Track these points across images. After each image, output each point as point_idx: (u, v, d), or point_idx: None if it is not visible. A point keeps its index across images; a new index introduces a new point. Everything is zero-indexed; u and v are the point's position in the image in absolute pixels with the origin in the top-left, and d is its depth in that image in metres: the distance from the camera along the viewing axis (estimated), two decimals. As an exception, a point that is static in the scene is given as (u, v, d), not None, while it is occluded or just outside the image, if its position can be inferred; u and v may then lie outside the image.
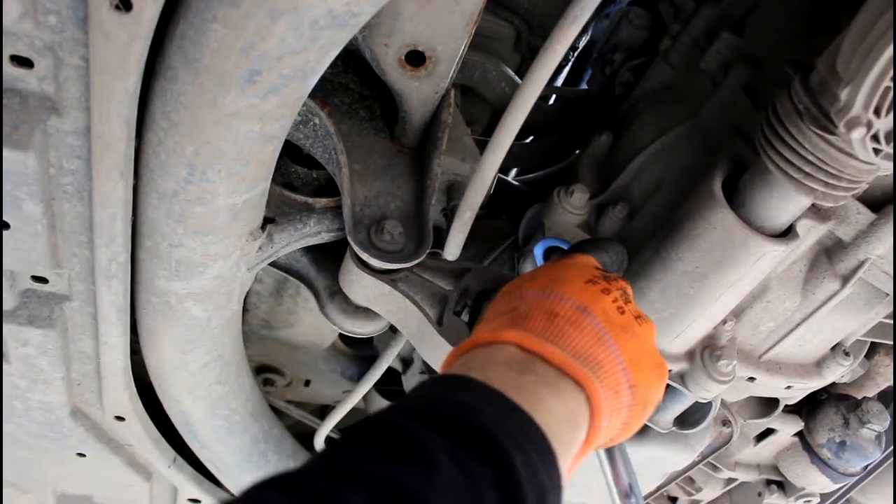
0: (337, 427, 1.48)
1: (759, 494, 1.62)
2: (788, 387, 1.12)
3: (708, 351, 0.99)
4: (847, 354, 1.11)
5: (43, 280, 0.91)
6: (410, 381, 1.49)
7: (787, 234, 0.85)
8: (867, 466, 1.41)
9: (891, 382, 1.39)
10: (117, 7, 0.59)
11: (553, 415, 0.59)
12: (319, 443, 1.70)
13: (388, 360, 1.25)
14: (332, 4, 0.58)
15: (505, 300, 0.76)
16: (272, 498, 0.43)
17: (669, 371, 1.02)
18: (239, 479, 1.45)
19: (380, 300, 0.98)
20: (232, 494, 1.66)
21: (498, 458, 0.49)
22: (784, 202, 0.81)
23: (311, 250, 1.20)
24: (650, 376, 0.71)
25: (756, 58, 0.94)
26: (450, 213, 0.96)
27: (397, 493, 0.44)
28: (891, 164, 0.68)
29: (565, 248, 0.94)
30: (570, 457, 0.62)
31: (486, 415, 0.53)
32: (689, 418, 1.13)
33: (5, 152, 0.70)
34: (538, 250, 0.96)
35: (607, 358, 0.67)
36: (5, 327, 0.95)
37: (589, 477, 1.26)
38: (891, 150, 0.65)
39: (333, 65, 0.81)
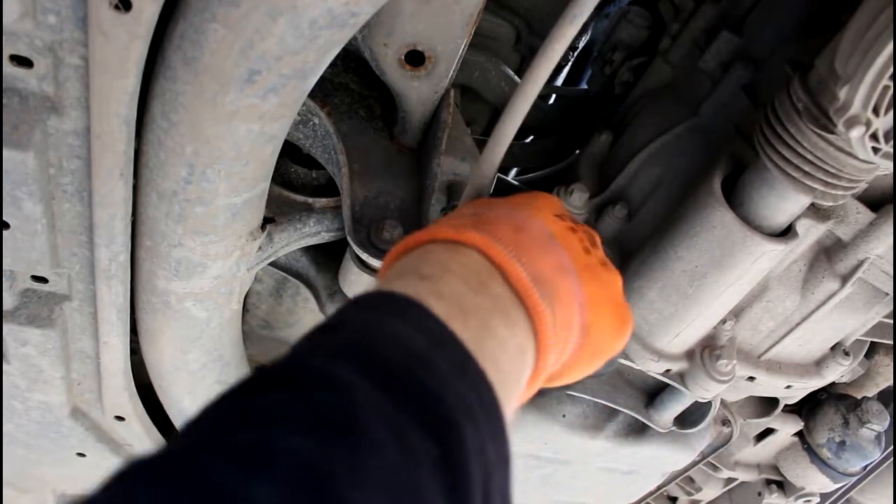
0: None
1: (759, 494, 1.62)
2: (788, 386, 1.12)
3: (707, 350, 0.99)
4: (847, 354, 1.11)
5: (43, 280, 0.91)
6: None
7: (787, 233, 0.85)
8: (867, 466, 1.41)
9: (891, 382, 1.39)
10: (117, 7, 0.59)
11: (505, 352, 0.52)
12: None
13: (387, 360, 1.25)
14: (332, 4, 0.58)
15: (469, 207, 0.68)
16: (140, 494, 0.30)
17: (669, 371, 1.02)
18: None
19: (379, 300, 0.98)
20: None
21: (447, 430, 0.40)
22: (783, 201, 0.81)
23: (310, 250, 1.20)
24: (607, 321, 0.65)
25: (755, 57, 0.95)
26: (450, 213, 0.96)
27: (316, 481, 0.33)
28: (890, 163, 0.68)
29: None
30: (516, 401, 0.55)
31: (437, 369, 0.43)
32: (689, 418, 1.13)
33: (5, 152, 0.70)
34: None
35: (566, 289, 0.60)
36: (5, 327, 0.95)
37: (589, 477, 1.27)
38: (890, 149, 0.65)
39: (333, 65, 0.81)
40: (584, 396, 1.07)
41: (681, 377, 1.02)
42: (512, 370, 0.53)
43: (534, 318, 0.56)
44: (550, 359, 0.58)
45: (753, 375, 1.09)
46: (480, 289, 0.54)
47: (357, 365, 0.41)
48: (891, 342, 1.16)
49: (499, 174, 0.99)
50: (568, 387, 1.06)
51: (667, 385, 1.07)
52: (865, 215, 0.89)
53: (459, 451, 0.40)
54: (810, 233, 0.90)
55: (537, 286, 0.57)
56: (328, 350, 0.43)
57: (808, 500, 1.58)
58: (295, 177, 1.11)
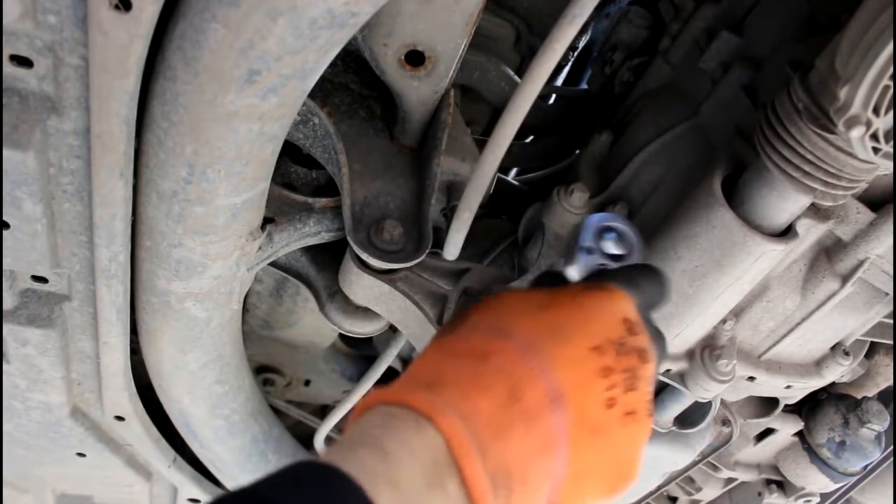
0: (337, 427, 1.48)
1: (759, 494, 1.62)
2: (788, 386, 1.12)
3: (707, 350, 0.99)
4: (847, 354, 1.11)
5: (43, 280, 0.91)
6: (410, 381, 1.49)
7: (787, 233, 0.85)
8: (867, 466, 1.41)
9: (891, 382, 1.39)
10: (117, 7, 0.59)
11: None
12: (319, 443, 1.70)
13: (388, 360, 1.25)
14: (332, 4, 0.58)
15: (490, 329, 0.60)
16: None
17: (669, 371, 1.02)
18: (239, 479, 1.46)
19: (380, 300, 0.98)
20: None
21: None
22: (783, 201, 0.81)
23: (310, 250, 1.20)
24: (586, 494, 0.59)
25: (756, 57, 0.95)
26: (449, 213, 0.96)
27: None
28: (890, 163, 0.68)
29: (621, 227, 0.76)
30: None
31: None
32: (689, 418, 1.13)
33: (5, 152, 0.70)
34: (589, 231, 0.74)
35: (540, 472, 0.55)
36: (5, 327, 0.95)
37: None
38: (890, 149, 0.65)
39: (333, 64, 0.81)
40: (584, 396, 1.07)
41: (681, 377, 1.02)
42: None
43: None
44: None
45: (753, 375, 1.09)
46: (437, 486, 0.49)
47: None
48: (891, 342, 1.16)
49: (499, 174, 0.99)
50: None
51: (667, 385, 1.07)
52: (866, 215, 0.89)
53: None
54: (810, 233, 0.90)
55: (496, 479, 0.52)
56: None
57: (808, 500, 1.58)
58: (295, 177, 1.11)
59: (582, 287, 0.66)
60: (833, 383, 1.23)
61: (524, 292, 0.65)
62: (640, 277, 0.68)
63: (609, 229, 0.75)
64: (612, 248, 0.72)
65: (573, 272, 0.72)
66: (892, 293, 0.99)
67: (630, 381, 0.59)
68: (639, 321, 0.63)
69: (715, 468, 1.51)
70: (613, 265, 0.71)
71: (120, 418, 1.19)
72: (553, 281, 0.73)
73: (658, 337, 0.66)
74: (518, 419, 0.54)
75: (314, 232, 1.02)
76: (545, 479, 0.55)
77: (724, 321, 0.99)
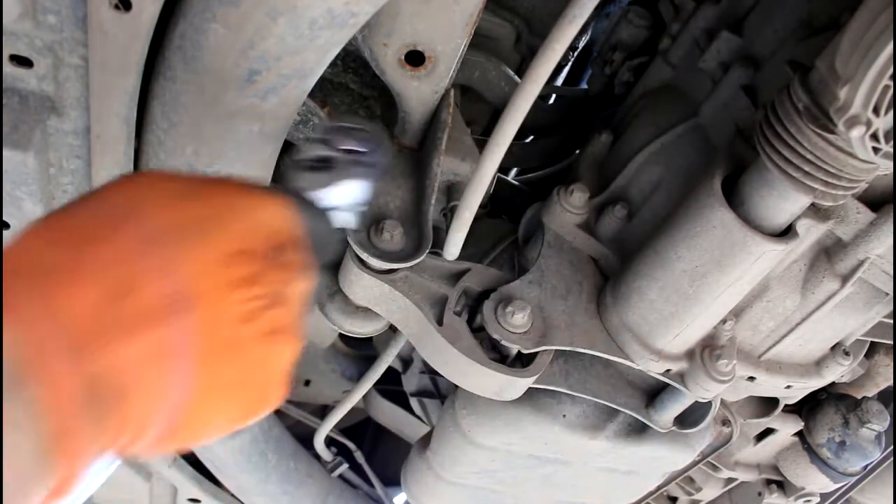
0: (337, 427, 1.48)
1: (759, 494, 1.62)
2: (788, 386, 1.12)
3: (708, 350, 0.99)
4: (847, 354, 1.11)
5: (43, 280, 0.91)
6: (410, 380, 1.49)
7: (787, 233, 0.85)
8: (867, 466, 1.41)
9: (891, 382, 1.39)
10: (117, 7, 0.59)
11: (8, 466, 0.39)
12: (319, 443, 1.70)
13: (388, 360, 1.25)
14: (332, 4, 0.58)
15: (117, 198, 0.50)
16: None
17: (669, 371, 1.02)
18: (239, 479, 1.46)
19: (380, 300, 0.98)
20: (232, 495, 1.66)
21: None
22: (783, 201, 0.81)
23: (310, 250, 1.19)
24: (217, 413, 0.53)
25: (755, 57, 0.95)
26: (449, 213, 0.96)
27: None
28: (890, 163, 0.68)
29: (361, 127, 0.68)
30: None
31: None
32: (689, 418, 1.13)
33: (5, 152, 0.70)
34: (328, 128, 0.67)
35: (151, 386, 0.47)
36: (5, 327, 0.95)
37: (589, 477, 1.27)
38: (890, 149, 0.65)
39: (333, 64, 0.81)
40: (585, 396, 1.07)
41: (681, 377, 1.02)
42: (13, 481, 0.39)
43: (61, 436, 0.42)
44: (83, 466, 0.45)
45: (753, 375, 1.09)
46: (13, 387, 0.40)
47: None
48: (891, 342, 1.16)
49: (499, 174, 0.99)
50: (568, 386, 1.06)
51: (667, 385, 1.07)
52: (866, 215, 0.89)
53: None
54: (810, 233, 0.90)
55: (95, 387, 0.43)
56: None
57: (808, 500, 1.58)
58: (295, 177, 1.11)
59: (247, 186, 0.57)
60: (833, 383, 1.23)
61: (169, 175, 0.55)
62: (315, 211, 0.62)
63: (348, 130, 0.67)
64: (353, 144, 0.65)
65: (288, 163, 0.65)
66: (892, 293, 0.99)
67: (276, 297, 0.53)
68: (300, 240, 0.57)
69: (715, 468, 1.51)
70: (340, 156, 0.64)
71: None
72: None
73: (312, 264, 0.59)
74: (128, 318, 0.45)
75: (314, 232, 1.02)
76: (162, 394, 0.48)
77: (724, 321, 0.99)
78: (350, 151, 0.64)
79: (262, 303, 0.51)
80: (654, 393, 1.11)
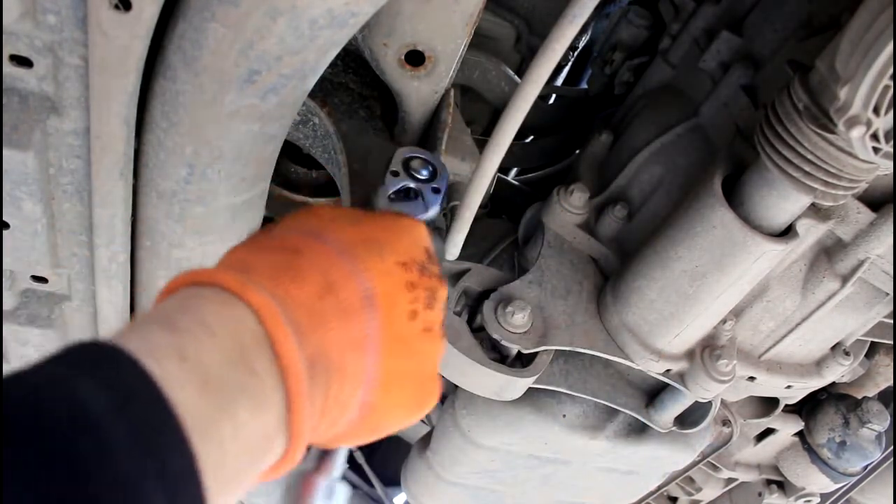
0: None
1: (759, 494, 1.62)
2: (788, 386, 1.12)
3: (708, 350, 0.99)
4: (847, 354, 1.11)
5: (42, 280, 0.91)
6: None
7: (787, 233, 0.85)
8: (867, 466, 1.41)
9: (891, 382, 1.39)
10: (117, 7, 0.59)
11: (238, 437, 0.44)
12: (319, 443, 1.70)
13: (388, 360, 1.25)
14: (332, 4, 0.58)
15: (303, 231, 0.59)
16: None
17: (669, 371, 1.02)
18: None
19: (379, 300, 0.98)
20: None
21: None
22: (784, 201, 0.81)
23: (310, 250, 1.19)
24: (401, 400, 0.60)
25: (756, 57, 0.95)
26: (449, 213, 0.96)
27: None
28: (890, 163, 0.68)
29: (431, 160, 0.82)
30: (244, 484, 0.48)
31: (102, 436, 0.36)
32: (689, 418, 1.13)
33: (5, 152, 0.70)
34: (396, 159, 0.80)
35: (356, 367, 0.55)
36: (5, 327, 0.95)
37: (589, 477, 1.27)
38: (890, 149, 0.65)
39: (333, 64, 0.81)
40: (585, 396, 1.07)
41: (681, 377, 1.02)
42: (244, 455, 0.45)
43: (291, 406, 0.48)
44: (303, 441, 0.50)
45: (754, 375, 1.09)
46: (239, 361, 0.45)
47: (22, 425, 0.35)
48: (891, 342, 1.16)
49: (499, 174, 0.99)
50: (568, 387, 1.06)
51: (667, 385, 1.07)
52: (866, 215, 0.89)
53: None
54: (811, 233, 0.90)
55: (313, 367, 0.51)
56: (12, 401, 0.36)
57: (809, 500, 1.58)
58: (295, 177, 1.11)
59: (392, 212, 0.70)
60: (833, 383, 1.23)
61: (338, 207, 0.67)
62: (435, 229, 0.75)
63: (414, 158, 0.81)
64: (421, 171, 0.79)
65: (381, 193, 0.78)
66: (892, 293, 0.99)
67: (430, 300, 0.62)
68: (434, 253, 0.68)
69: (715, 468, 1.51)
70: (416, 185, 0.78)
71: (120, 418, 1.19)
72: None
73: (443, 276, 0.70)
74: (333, 311, 0.54)
75: (314, 232, 1.02)
76: (360, 376, 0.56)
77: (724, 321, 0.99)
78: (424, 180, 0.79)
79: (421, 304, 0.61)
80: (654, 393, 1.11)
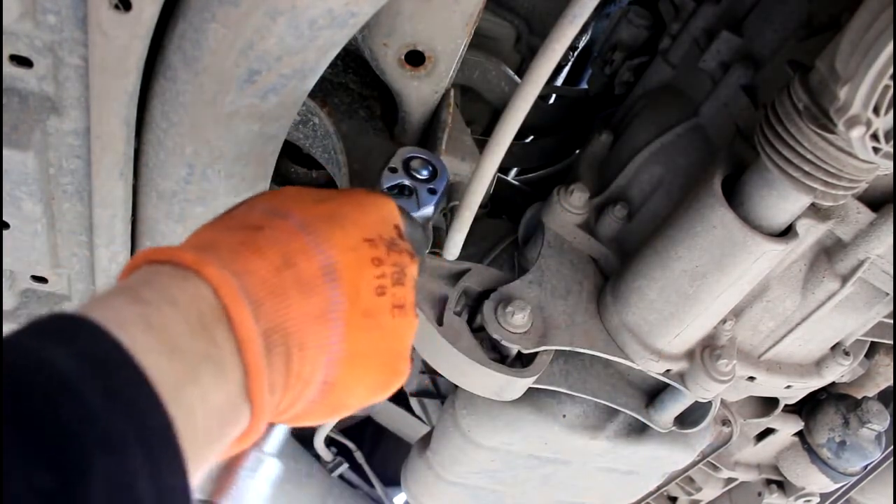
0: (337, 426, 1.48)
1: (759, 494, 1.62)
2: (788, 386, 1.12)
3: (708, 350, 0.99)
4: (847, 354, 1.11)
5: (42, 280, 0.91)
6: (410, 381, 1.49)
7: (787, 233, 0.85)
8: (867, 466, 1.41)
9: (891, 382, 1.39)
10: (117, 7, 0.59)
11: (205, 403, 0.46)
12: (319, 442, 1.71)
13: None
14: (332, 4, 0.58)
15: (266, 210, 0.60)
16: None
17: (669, 371, 1.02)
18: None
19: (379, 300, 0.98)
20: (232, 494, 1.66)
21: (71, 462, 0.36)
22: (784, 201, 0.81)
23: (310, 250, 1.19)
24: (363, 377, 0.60)
25: (756, 57, 0.95)
26: (449, 213, 0.96)
27: None
28: (890, 163, 0.68)
29: (432, 161, 0.83)
30: (214, 454, 0.49)
31: (77, 396, 0.38)
32: (689, 418, 1.13)
33: (5, 152, 0.70)
34: (397, 157, 0.81)
35: (317, 342, 0.55)
36: (5, 327, 0.95)
37: (589, 477, 1.27)
38: (890, 149, 0.65)
39: (333, 64, 0.81)
40: (585, 396, 1.07)
41: (681, 377, 1.02)
42: (210, 423, 0.47)
43: (249, 375, 0.49)
44: (267, 415, 0.52)
45: (753, 375, 1.09)
46: (201, 331, 0.47)
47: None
48: (891, 342, 1.16)
49: (499, 174, 0.99)
50: (568, 387, 1.06)
51: (667, 385, 1.07)
52: (866, 215, 0.89)
53: (82, 483, 0.36)
54: (810, 233, 0.90)
55: (269, 339, 0.51)
56: None
57: (809, 500, 1.58)
58: (295, 177, 1.11)
59: (363, 190, 0.68)
60: (833, 383, 1.23)
61: (305, 187, 0.67)
62: (434, 228, 0.76)
63: (415, 158, 0.82)
64: (420, 171, 0.80)
65: (377, 187, 0.79)
66: (892, 293, 0.99)
67: (398, 276, 0.62)
68: (405, 231, 0.68)
69: (715, 468, 1.51)
70: (411, 183, 0.79)
71: (120, 418, 1.19)
72: None
73: (416, 252, 0.70)
74: (292, 285, 0.54)
75: (314, 232, 1.02)
76: (322, 350, 0.56)
77: (724, 321, 0.99)
78: (423, 179, 0.80)
79: (389, 280, 0.60)
80: (654, 393, 1.11)
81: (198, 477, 0.45)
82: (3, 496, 0.32)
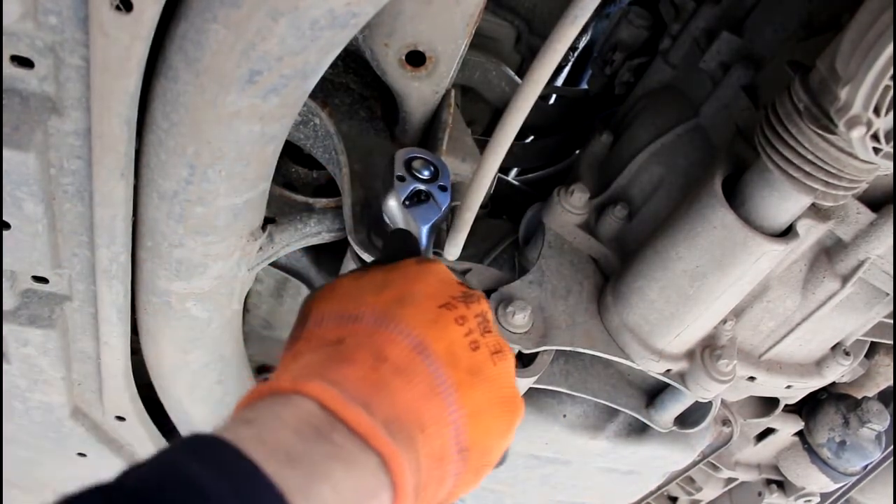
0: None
1: (759, 494, 1.62)
2: (788, 386, 1.13)
3: (708, 350, 0.99)
4: (847, 354, 1.11)
5: (43, 280, 0.91)
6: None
7: (787, 233, 0.85)
8: (867, 466, 1.41)
9: (891, 382, 1.39)
10: (118, 7, 0.59)
11: (338, 493, 0.47)
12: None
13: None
14: (333, 5, 0.58)
15: (336, 318, 0.62)
16: None
17: (669, 371, 1.02)
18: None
19: (380, 300, 0.98)
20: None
21: None
22: (784, 201, 0.81)
23: (311, 250, 1.20)
24: (493, 428, 0.61)
25: (756, 57, 0.95)
26: (450, 213, 0.96)
27: None
28: (891, 164, 0.68)
29: (431, 160, 0.83)
30: None
31: (214, 499, 0.41)
32: (689, 418, 1.13)
33: (6, 152, 0.70)
34: (398, 163, 0.81)
35: (436, 417, 0.56)
36: (6, 327, 0.95)
37: (589, 477, 1.27)
38: (890, 150, 0.65)
39: (334, 65, 0.81)
40: (585, 396, 1.07)
41: (681, 377, 1.02)
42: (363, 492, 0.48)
43: (386, 461, 0.50)
44: (410, 498, 0.53)
45: (754, 375, 1.09)
46: (316, 437, 0.48)
47: None
48: (891, 342, 1.16)
49: (499, 174, 0.99)
50: (568, 386, 1.06)
51: (667, 385, 1.07)
52: (866, 215, 0.89)
53: None
54: (811, 233, 0.90)
55: (390, 427, 0.52)
56: (123, 492, 0.41)
57: (809, 500, 1.58)
58: (296, 177, 1.12)
59: (413, 262, 0.69)
60: (833, 383, 1.23)
61: (357, 275, 0.67)
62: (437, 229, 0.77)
63: (415, 158, 0.82)
64: (423, 171, 0.80)
65: (393, 201, 0.79)
66: (892, 293, 0.99)
67: (484, 325, 0.63)
68: (465, 280, 0.70)
69: (715, 468, 1.51)
70: (425, 187, 0.80)
71: (121, 418, 1.19)
72: (398, 241, 0.77)
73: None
74: (391, 375, 0.56)
75: (315, 232, 1.02)
76: (444, 424, 0.57)
77: (724, 321, 0.99)
78: (427, 179, 0.80)
79: (478, 333, 0.62)
80: (655, 393, 1.11)
81: None
82: None
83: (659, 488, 1.54)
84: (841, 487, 1.50)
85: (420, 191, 0.79)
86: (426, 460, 0.55)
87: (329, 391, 0.51)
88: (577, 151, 1.37)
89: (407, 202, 0.78)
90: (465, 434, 0.58)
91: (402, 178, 0.79)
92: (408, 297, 0.61)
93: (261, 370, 1.54)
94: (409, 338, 0.58)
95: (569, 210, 1.04)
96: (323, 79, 0.76)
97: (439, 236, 0.95)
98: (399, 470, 0.50)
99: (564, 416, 1.12)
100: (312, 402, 0.50)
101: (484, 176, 0.81)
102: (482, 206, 0.87)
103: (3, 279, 0.89)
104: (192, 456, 0.43)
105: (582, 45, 1.56)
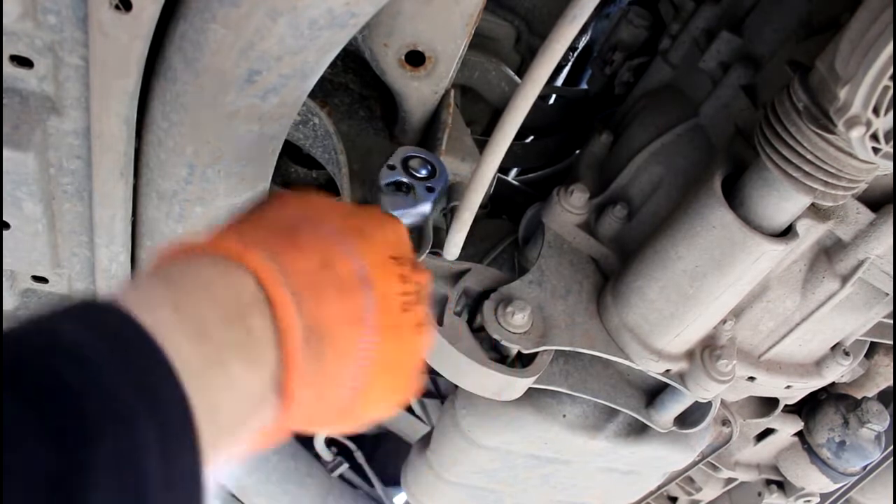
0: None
1: (759, 494, 1.62)
2: (788, 386, 1.12)
3: (708, 350, 0.99)
4: (847, 354, 1.11)
5: (43, 280, 0.91)
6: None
7: (787, 233, 0.85)
8: (867, 466, 1.41)
9: (891, 382, 1.39)
10: (117, 7, 0.59)
11: (231, 391, 0.45)
12: (320, 443, 1.71)
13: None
14: (332, 4, 0.58)
15: (297, 207, 0.61)
16: None
17: (669, 371, 1.02)
18: (239, 479, 1.45)
19: (380, 300, 0.98)
20: (234, 496, 1.66)
21: (76, 430, 0.35)
22: (783, 201, 0.81)
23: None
24: (384, 390, 0.60)
25: (755, 57, 0.95)
26: (450, 214, 0.96)
27: None
28: (890, 163, 0.68)
29: (432, 160, 0.84)
30: (236, 444, 0.48)
31: (92, 365, 0.37)
32: (689, 418, 1.13)
33: (5, 152, 0.70)
34: (396, 156, 0.82)
35: (349, 345, 0.55)
36: (5, 327, 0.95)
37: (589, 477, 1.27)
38: (890, 149, 0.65)
39: (333, 65, 0.81)
40: (585, 396, 1.07)
41: (681, 377, 1.02)
42: (236, 408, 0.46)
43: (285, 366, 0.49)
44: (297, 413, 0.52)
45: (753, 375, 1.09)
46: (235, 319, 0.46)
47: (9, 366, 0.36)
48: (891, 342, 1.16)
49: (499, 174, 0.99)
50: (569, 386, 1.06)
51: (667, 385, 1.07)
52: (865, 215, 0.89)
53: (85, 462, 0.35)
54: (810, 233, 0.90)
55: (309, 333, 0.51)
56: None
57: (808, 500, 1.58)
58: (295, 177, 1.12)
59: (380, 211, 0.70)
60: (833, 383, 1.23)
61: (328, 199, 0.67)
62: (435, 229, 0.77)
63: (414, 157, 0.83)
64: (420, 170, 0.82)
65: (376, 184, 0.80)
66: (892, 293, 0.99)
67: (419, 296, 0.63)
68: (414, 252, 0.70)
69: (715, 468, 1.51)
70: (408, 180, 0.81)
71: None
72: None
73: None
74: (331, 285, 0.54)
75: (314, 232, 1.02)
76: (353, 353, 0.56)
77: (724, 321, 0.99)
78: (420, 177, 0.81)
79: (412, 298, 0.61)
80: (654, 393, 1.11)
81: (216, 463, 0.45)
82: (4, 467, 0.32)
83: (659, 488, 1.54)
84: (841, 488, 1.50)
85: (403, 183, 0.80)
86: (322, 375, 0.54)
87: (272, 272, 0.49)
88: (577, 151, 1.37)
89: (384, 188, 0.79)
90: (364, 375, 0.57)
91: (391, 167, 0.80)
92: (367, 233, 0.61)
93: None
94: (357, 263, 0.57)
95: (568, 210, 1.04)
96: (322, 78, 0.76)
97: (438, 236, 0.95)
98: (290, 384, 0.49)
99: (564, 416, 1.12)
100: (250, 276, 0.49)
101: (483, 176, 0.81)
102: (482, 206, 0.87)
103: (3, 279, 0.89)
104: (77, 318, 0.40)
105: (581, 45, 1.56)
